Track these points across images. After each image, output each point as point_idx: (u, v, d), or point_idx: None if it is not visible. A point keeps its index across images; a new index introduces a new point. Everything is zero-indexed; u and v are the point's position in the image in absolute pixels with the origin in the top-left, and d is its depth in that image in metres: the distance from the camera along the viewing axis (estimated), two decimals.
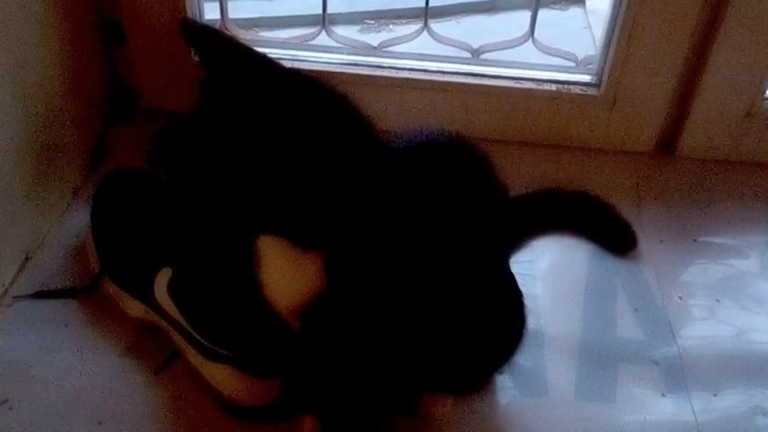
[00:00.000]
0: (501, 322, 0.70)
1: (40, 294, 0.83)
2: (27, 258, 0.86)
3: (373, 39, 1.06)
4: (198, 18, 1.02)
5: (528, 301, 0.85)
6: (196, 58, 0.60)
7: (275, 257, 0.61)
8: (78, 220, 0.90)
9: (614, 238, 0.93)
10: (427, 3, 1.04)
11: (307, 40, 1.05)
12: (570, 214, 0.93)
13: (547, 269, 0.91)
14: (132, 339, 0.80)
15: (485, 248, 0.64)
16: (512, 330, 0.72)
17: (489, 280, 0.66)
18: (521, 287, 0.84)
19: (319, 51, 1.04)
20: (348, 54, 1.04)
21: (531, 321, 0.84)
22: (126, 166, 0.90)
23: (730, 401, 0.79)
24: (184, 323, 0.75)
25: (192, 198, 0.80)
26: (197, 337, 0.74)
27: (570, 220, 0.93)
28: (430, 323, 0.60)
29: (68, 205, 0.93)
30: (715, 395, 0.79)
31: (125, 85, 1.05)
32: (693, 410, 0.78)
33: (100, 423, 0.73)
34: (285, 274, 0.61)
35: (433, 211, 0.59)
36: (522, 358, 0.81)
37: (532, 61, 1.05)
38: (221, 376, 0.73)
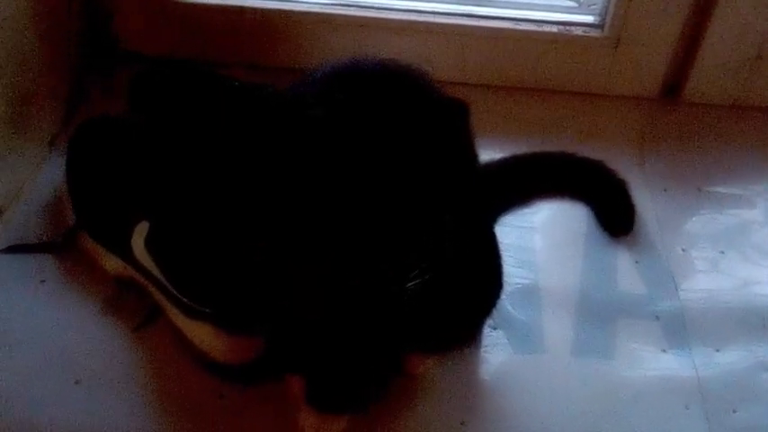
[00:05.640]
0: (479, 280, 0.68)
1: (15, 249, 0.80)
2: (0, 212, 0.82)
3: None
4: None
5: (525, 254, 0.83)
6: None
7: None
8: (55, 171, 0.86)
9: (612, 217, 0.88)
10: None
11: None
12: (576, 182, 0.89)
13: (545, 220, 0.88)
14: (111, 296, 0.77)
15: (461, 204, 0.60)
16: (490, 287, 0.70)
17: (466, 239, 0.63)
18: (520, 240, 0.83)
19: None
20: None
21: (528, 275, 0.82)
22: (103, 114, 0.86)
23: (733, 357, 0.76)
24: (164, 279, 0.72)
25: (173, 148, 0.76)
26: (177, 293, 0.71)
27: (575, 189, 0.89)
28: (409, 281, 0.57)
29: (45, 156, 0.89)
30: (717, 350, 0.77)
31: (102, 27, 1.00)
32: (695, 366, 0.75)
33: (77, 382, 0.70)
34: None
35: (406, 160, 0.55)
36: (518, 313, 0.78)
37: (533, 1, 1.00)
38: (202, 334, 0.70)
